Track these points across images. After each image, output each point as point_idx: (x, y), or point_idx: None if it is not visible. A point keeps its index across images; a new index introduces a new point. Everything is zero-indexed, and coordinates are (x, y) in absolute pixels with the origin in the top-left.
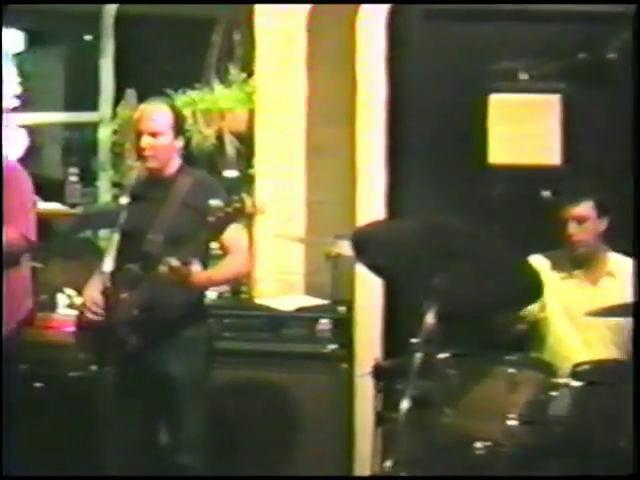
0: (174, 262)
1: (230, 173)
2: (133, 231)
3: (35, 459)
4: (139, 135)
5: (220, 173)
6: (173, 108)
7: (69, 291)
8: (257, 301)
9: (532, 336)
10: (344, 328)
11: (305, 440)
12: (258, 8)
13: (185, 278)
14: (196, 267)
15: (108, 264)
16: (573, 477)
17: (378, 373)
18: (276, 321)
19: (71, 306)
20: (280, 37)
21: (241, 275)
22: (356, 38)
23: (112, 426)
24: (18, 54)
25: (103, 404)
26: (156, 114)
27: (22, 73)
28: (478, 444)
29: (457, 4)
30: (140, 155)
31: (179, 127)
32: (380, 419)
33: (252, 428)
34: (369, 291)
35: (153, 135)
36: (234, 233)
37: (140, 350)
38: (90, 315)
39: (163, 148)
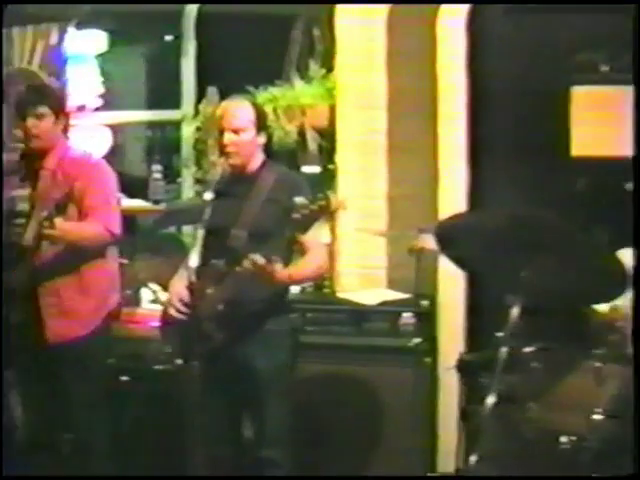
0: (259, 259)
1: (309, 169)
2: (217, 227)
3: (120, 453)
4: (222, 132)
5: (299, 169)
6: (255, 104)
7: (154, 286)
8: (340, 295)
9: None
10: (427, 322)
11: (388, 434)
12: (338, 4)
13: (268, 275)
14: (278, 265)
15: (193, 259)
16: (573, 477)
17: (462, 367)
18: (359, 315)
19: (155, 301)
20: (360, 32)
21: (321, 273)
22: (437, 33)
23: (197, 420)
24: (100, 55)
25: (188, 398)
26: (238, 111)
27: (105, 73)
28: (563, 438)
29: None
30: (223, 152)
31: (261, 123)
32: (464, 413)
33: (335, 422)
34: (452, 284)
35: (235, 132)
36: (314, 231)
37: (225, 344)
38: (175, 310)
39: (245, 144)
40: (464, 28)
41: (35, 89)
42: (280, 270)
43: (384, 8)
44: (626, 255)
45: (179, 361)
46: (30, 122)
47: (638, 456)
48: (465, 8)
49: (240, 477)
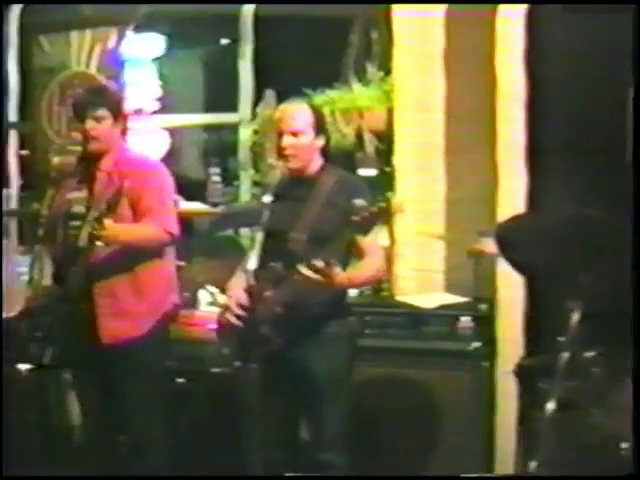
0: (318, 263)
1: (365, 171)
2: (276, 230)
3: (176, 455)
4: (280, 134)
5: (354, 171)
6: (314, 107)
7: (211, 289)
8: (398, 299)
9: None
10: (486, 326)
11: (445, 438)
12: (395, 6)
13: (327, 279)
14: (337, 268)
15: (252, 262)
16: (573, 477)
17: (521, 372)
18: (417, 318)
19: (213, 303)
20: (418, 34)
21: (379, 277)
22: (495, 34)
23: (254, 423)
24: (158, 58)
25: (245, 401)
26: (297, 113)
27: (162, 76)
28: (624, 444)
29: None
30: (281, 155)
31: (320, 126)
32: (523, 418)
33: (392, 426)
34: (511, 288)
35: (294, 134)
36: (373, 234)
37: (283, 347)
38: (233, 313)
39: (304, 147)
40: (523, 28)
41: (94, 91)
42: (339, 273)
43: (441, 9)
44: None
45: (237, 364)
46: (89, 124)
47: (638, 456)
48: (523, 8)
49: (240, 477)
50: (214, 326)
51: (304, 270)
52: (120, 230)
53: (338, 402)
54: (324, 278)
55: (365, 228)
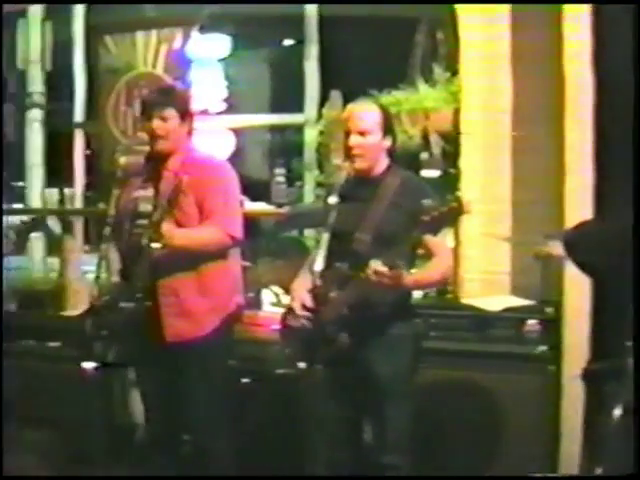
0: (380, 267)
1: (428, 172)
2: (341, 230)
3: (239, 455)
4: (347, 134)
5: (418, 173)
6: (382, 108)
7: (276, 289)
8: (463, 301)
9: None
10: (552, 329)
11: (510, 442)
12: (460, 6)
13: (393, 280)
14: (402, 269)
15: (318, 263)
16: (573, 477)
17: (587, 376)
18: (483, 321)
19: (277, 304)
20: (484, 34)
21: (445, 279)
22: (562, 34)
23: (318, 423)
24: (223, 59)
25: (310, 401)
26: (365, 113)
27: (228, 77)
28: None
29: None
30: (348, 154)
31: (387, 127)
32: (589, 423)
33: (457, 428)
34: (579, 291)
35: (362, 134)
36: (440, 235)
37: (348, 348)
38: (299, 313)
39: (371, 147)
40: (589, 27)
41: (161, 91)
42: (405, 275)
43: (507, 8)
44: None
45: (302, 365)
46: (155, 123)
47: (638, 456)
48: (588, 6)
49: (244, 477)
50: (278, 327)
51: (369, 273)
52: (178, 235)
53: (402, 404)
54: (390, 280)
55: (435, 228)
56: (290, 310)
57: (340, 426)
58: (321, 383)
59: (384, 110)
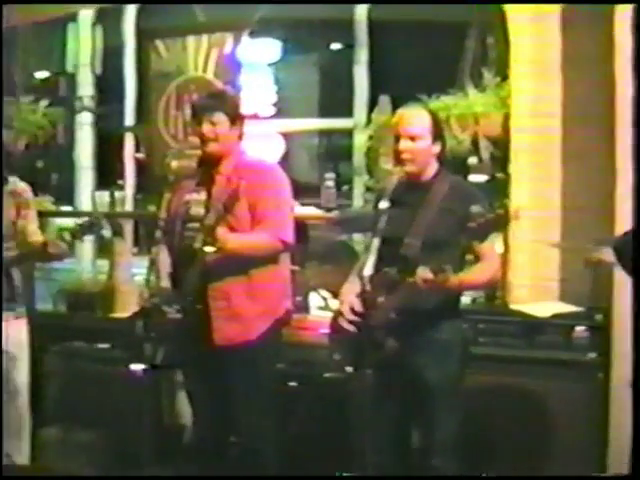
0: (427, 274)
1: (476, 177)
2: (391, 235)
3: (285, 458)
4: (397, 139)
5: (465, 178)
6: (432, 113)
7: (324, 293)
8: (512, 307)
9: None
10: (601, 336)
11: (557, 449)
12: (510, 10)
13: (441, 285)
14: (450, 273)
15: (367, 267)
16: (573, 477)
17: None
18: (531, 327)
19: (325, 308)
20: (534, 39)
21: (492, 283)
22: (613, 37)
23: (365, 427)
24: (273, 63)
25: (358, 405)
26: (415, 118)
27: (277, 81)
28: None
29: None
30: (398, 159)
31: (437, 132)
32: (638, 430)
33: (505, 434)
34: (628, 298)
35: (412, 139)
36: (489, 240)
37: (396, 353)
38: (347, 318)
39: (421, 152)
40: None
41: (211, 95)
42: (452, 278)
43: (557, 12)
44: None
45: (349, 369)
46: (205, 127)
47: (638, 456)
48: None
49: (239, 477)
50: (326, 331)
51: (417, 278)
52: (232, 240)
53: (450, 409)
54: (437, 285)
55: (482, 235)
56: (339, 314)
57: (387, 430)
58: (369, 387)
59: (434, 115)
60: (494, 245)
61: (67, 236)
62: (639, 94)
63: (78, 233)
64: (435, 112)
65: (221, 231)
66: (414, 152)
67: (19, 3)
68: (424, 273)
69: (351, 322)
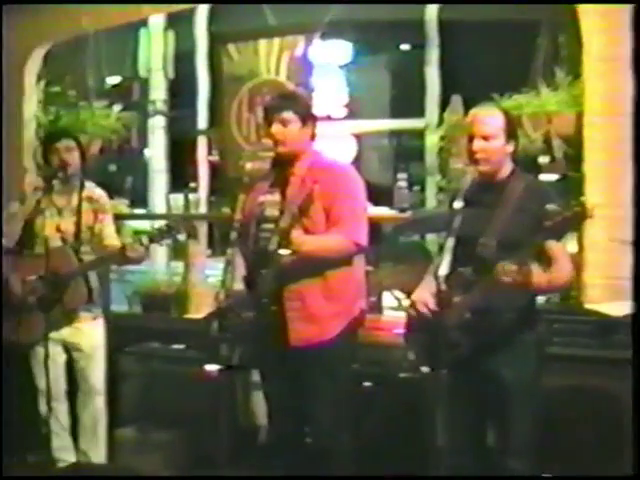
0: (510, 266)
1: (548, 177)
2: (466, 235)
3: (361, 456)
4: (471, 138)
5: (536, 176)
6: (506, 112)
7: (398, 293)
8: (587, 306)
9: None
10: None
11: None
12: (582, 8)
13: (522, 281)
14: (530, 271)
15: (443, 267)
16: (573, 477)
17: None
18: (606, 327)
19: (399, 308)
20: (606, 37)
21: (568, 284)
22: None
23: (441, 427)
24: (344, 65)
25: (433, 406)
26: (488, 117)
27: (349, 83)
28: None
29: None
30: (472, 159)
31: (511, 131)
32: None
33: (580, 434)
34: None
35: (485, 138)
36: (562, 240)
37: (471, 353)
38: (421, 318)
39: (495, 151)
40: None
41: (281, 96)
42: (532, 274)
43: (628, 9)
44: None
45: (424, 369)
46: (275, 127)
47: (638, 456)
48: None
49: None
50: (401, 331)
51: (499, 271)
52: (308, 243)
53: (526, 409)
54: (518, 281)
55: (558, 233)
56: (414, 314)
57: (462, 431)
58: (443, 387)
59: (508, 115)
60: (566, 247)
61: (145, 240)
62: (639, 94)
63: (156, 237)
64: (509, 111)
65: (296, 234)
66: (488, 152)
67: (19, 3)
68: (508, 266)
69: (425, 322)
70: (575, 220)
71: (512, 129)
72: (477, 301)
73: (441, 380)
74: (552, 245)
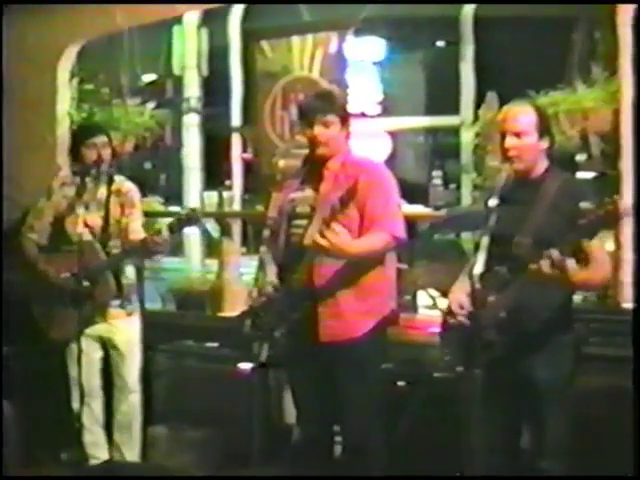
0: (556, 255)
1: (585, 174)
2: (501, 233)
3: (394, 456)
4: (503, 136)
5: (573, 174)
6: (538, 108)
7: (432, 292)
8: (624, 306)
9: None
10: None
11: None
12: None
13: (562, 276)
14: (571, 265)
15: (478, 266)
16: (573, 477)
17: None
18: None
19: (433, 307)
20: None
21: (604, 282)
22: None
23: (475, 428)
24: (378, 61)
25: (468, 405)
26: (520, 114)
27: (383, 80)
28: None
29: None
30: (505, 156)
31: (544, 128)
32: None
33: (617, 435)
34: None
35: (517, 135)
36: (598, 238)
37: (506, 353)
38: (456, 317)
39: (527, 148)
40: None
41: (322, 96)
42: (573, 272)
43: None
44: None
45: (459, 368)
46: (317, 129)
47: (638, 456)
48: None
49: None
50: (436, 330)
51: (543, 263)
52: (354, 246)
53: (561, 410)
54: (559, 275)
55: (591, 232)
56: (449, 313)
57: (497, 431)
58: (479, 387)
59: (540, 111)
60: (604, 245)
61: (165, 231)
62: (639, 94)
63: (175, 227)
64: (542, 108)
65: (338, 228)
66: (520, 149)
67: (19, 3)
68: (544, 264)
69: (460, 321)
70: (607, 219)
71: (545, 126)
72: (512, 300)
73: (476, 380)
74: (590, 243)
